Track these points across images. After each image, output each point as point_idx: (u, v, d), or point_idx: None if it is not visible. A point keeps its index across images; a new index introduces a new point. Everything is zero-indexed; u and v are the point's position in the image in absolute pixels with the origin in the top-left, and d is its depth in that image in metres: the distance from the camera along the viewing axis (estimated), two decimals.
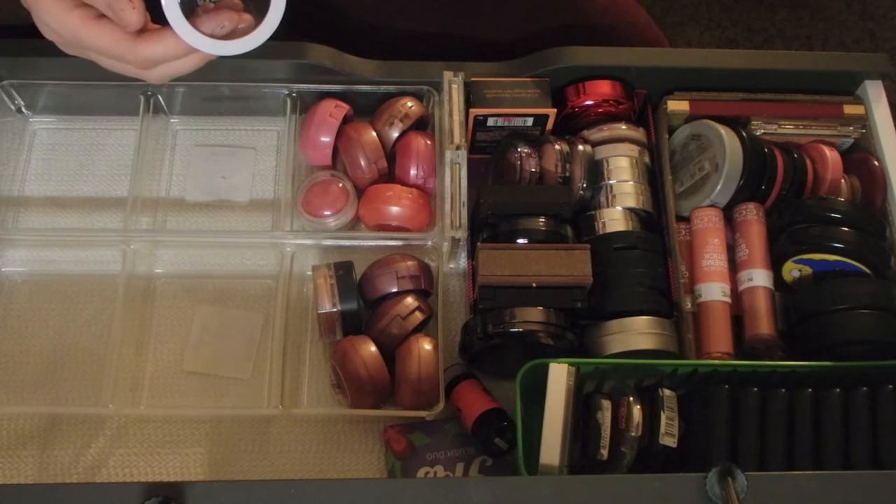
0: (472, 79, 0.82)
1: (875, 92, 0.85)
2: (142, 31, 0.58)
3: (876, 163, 0.82)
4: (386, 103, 0.85)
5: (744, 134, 0.80)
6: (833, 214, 0.77)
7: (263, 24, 0.58)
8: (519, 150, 0.82)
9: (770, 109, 0.84)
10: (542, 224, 0.77)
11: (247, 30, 0.58)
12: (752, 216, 0.80)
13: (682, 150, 0.84)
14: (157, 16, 0.57)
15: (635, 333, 0.74)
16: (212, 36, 0.57)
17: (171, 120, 0.89)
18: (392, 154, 0.85)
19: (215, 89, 0.86)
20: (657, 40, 0.99)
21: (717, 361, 0.74)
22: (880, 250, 0.77)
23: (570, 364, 0.70)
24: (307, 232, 0.83)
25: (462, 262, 0.83)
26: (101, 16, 0.57)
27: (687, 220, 0.82)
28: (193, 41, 0.57)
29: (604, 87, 0.83)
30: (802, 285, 0.79)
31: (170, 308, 0.82)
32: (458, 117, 0.80)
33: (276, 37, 0.59)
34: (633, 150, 0.82)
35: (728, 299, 0.78)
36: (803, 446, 0.68)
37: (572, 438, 0.68)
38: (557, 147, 0.81)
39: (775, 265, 0.79)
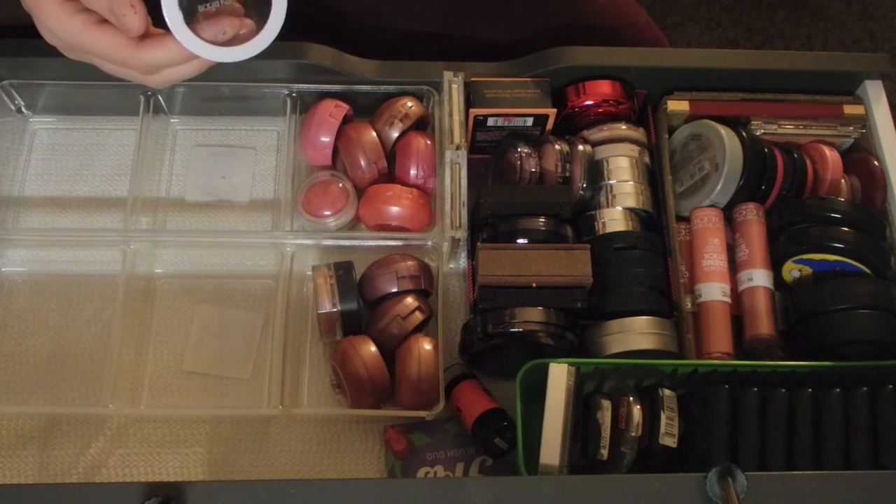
0: (472, 79, 0.82)
1: (875, 92, 0.85)
2: (144, 37, 0.58)
3: (876, 163, 0.82)
4: (386, 103, 0.85)
5: (744, 134, 0.80)
6: (833, 214, 0.77)
7: (265, 29, 0.58)
8: (519, 150, 0.82)
9: (770, 109, 0.84)
10: (542, 224, 0.77)
11: (248, 35, 0.58)
12: (752, 216, 0.80)
13: (682, 150, 0.84)
14: (158, 20, 0.57)
15: (635, 333, 0.74)
16: (213, 42, 0.57)
17: (171, 120, 0.89)
18: (392, 154, 0.85)
19: (215, 89, 0.86)
20: (657, 40, 0.99)
21: (717, 361, 0.74)
22: (880, 250, 0.77)
23: (570, 364, 0.70)
24: (307, 232, 0.83)
25: (462, 262, 0.83)
26: (104, 21, 0.57)
27: (687, 220, 0.82)
28: (195, 48, 0.57)
29: (604, 87, 0.83)
30: (802, 285, 0.79)
31: (170, 308, 0.82)
32: (458, 117, 0.80)
33: (276, 37, 0.59)
34: (633, 150, 0.82)
35: (728, 299, 0.78)
36: (803, 446, 0.68)
37: (572, 438, 0.68)
38: (557, 147, 0.81)
39: (775, 265, 0.79)
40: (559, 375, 0.69)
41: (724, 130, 0.80)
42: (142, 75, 0.60)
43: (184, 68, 0.60)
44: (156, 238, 0.83)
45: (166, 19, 0.56)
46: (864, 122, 0.84)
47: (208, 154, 0.89)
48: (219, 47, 0.57)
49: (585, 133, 0.83)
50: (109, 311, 0.80)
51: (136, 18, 0.56)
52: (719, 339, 0.76)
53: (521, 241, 0.76)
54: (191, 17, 0.57)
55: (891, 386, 0.69)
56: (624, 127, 0.83)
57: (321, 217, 0.82)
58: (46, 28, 0.59)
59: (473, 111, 0.81)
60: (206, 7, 0.57)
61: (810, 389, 0.70)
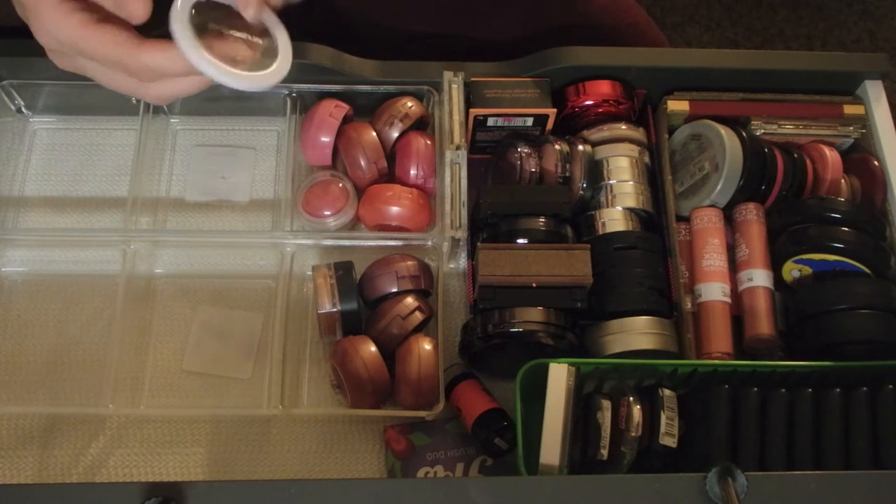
0: (472, 79, 0.82)
1: (875, 92, 0.85)
2: (145, 41, 0.57)
3: (876, 163, 0.82)
4: (386, 103, 0.85)
5: (744, 134, 0.80)
6: (833, 214, 0.77)
7: (277, 62, 0.57)
8: (519, 150, 0.82)
9: (770, 109, 0.84)
10: (542, 224, 0.77)
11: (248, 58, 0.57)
12: (752, 216, 0.80)
13: (682, 150, 0.84)
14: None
15: (635, 333, 0.74)
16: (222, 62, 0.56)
17: (171, 120, 0.89)
18: (392, 154, 0.85)
19: (215, 89, 0.85)
20: (657, 40, 0.99)
21: (717, 361, 0.74)
22: (880, 250, 0.77)
23: (570, 364, 0.70)
24: (307, 232, 0.83)
25: (462, 262, 0.82)
26: (103, 20, 0.57)
27: (687, 220, 0.82)
28: (203, 67, 0.56)
29: (604, 87, 0.83)
30: (802, 285, 0.79)
31: (170, 308, 0.82)
32: (458, 117, 0.80)
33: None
34: (633, 150, 0.82)
35: (728, 299, 0.78)
36: (803, 446, 0.68)
37: (572, 438, 0.68)
38: (557, 147, 0.81)
39: (775, 265, 0.79)
40: (559, 375, 0.69)
41: (724, 130, 0.80)
42: (138, 85, 0.59)
43: (182, 82, 0.59)
44: (156, 238, 0.83)
45: (171, 28, 0.55)
46: (864, 122, 0.84)
47: (208, 154, 0.89)
48: (219, 66, 0.56)
49: (585, 133, 0.83)
50: (109, 311, 0.80)
51: (140, 5, 0.55)
52: (719, 339, 0.76)
53: (521, 241, 0.76)
54: (202, 33, 0.55)
55: (891, 386, 0.69)
56: (624, 127, 0.83)
57: (321, 217, 0.82)
58: (43, 29, 0.59)
59: (473, 111, 0.81)
60: (220, 29, 0.56)
61: (810, 389, 0.70)
